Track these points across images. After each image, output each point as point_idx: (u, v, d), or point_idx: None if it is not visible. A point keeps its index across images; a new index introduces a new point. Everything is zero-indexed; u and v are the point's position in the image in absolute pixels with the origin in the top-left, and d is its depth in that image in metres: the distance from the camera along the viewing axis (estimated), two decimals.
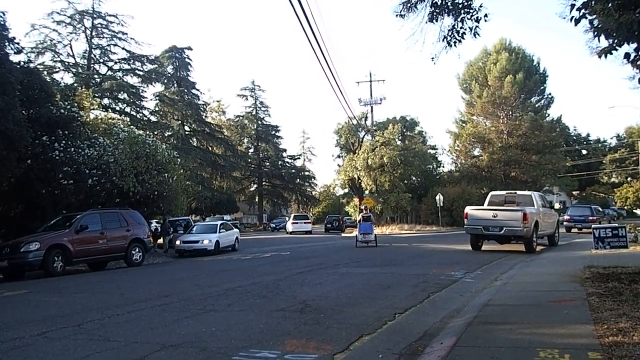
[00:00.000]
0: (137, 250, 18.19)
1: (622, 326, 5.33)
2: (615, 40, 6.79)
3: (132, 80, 44.52)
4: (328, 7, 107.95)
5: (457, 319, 6.80)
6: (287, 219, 58.47)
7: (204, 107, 59.78)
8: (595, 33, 7.02)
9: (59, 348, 5.90)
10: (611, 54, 6.96)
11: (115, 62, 43.96)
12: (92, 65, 42.62)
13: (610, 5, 6.46)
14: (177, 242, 23.21)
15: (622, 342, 4.76)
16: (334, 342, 5.77)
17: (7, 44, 16.93)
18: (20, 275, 14.93)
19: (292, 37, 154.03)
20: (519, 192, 20.59)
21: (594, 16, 6.91)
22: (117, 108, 41.59)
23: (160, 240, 25.77)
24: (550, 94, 56.32)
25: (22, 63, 18.84)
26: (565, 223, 30.43)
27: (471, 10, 9.09)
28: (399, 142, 49.50)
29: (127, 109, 42.76)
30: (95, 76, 42.30)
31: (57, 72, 39.65)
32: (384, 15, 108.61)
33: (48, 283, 13.38)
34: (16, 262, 14.77)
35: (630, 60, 7.01)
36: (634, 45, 6.85)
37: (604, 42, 7.12)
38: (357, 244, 22.38)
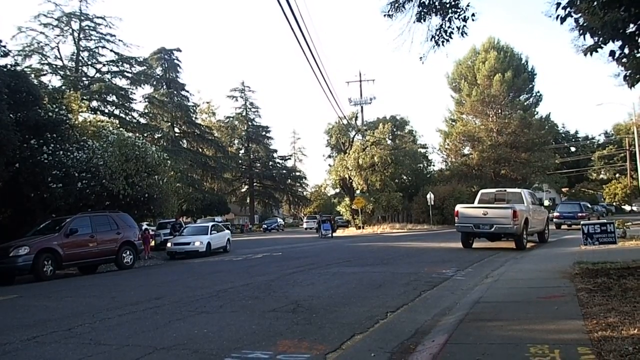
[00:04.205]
0: (127, 253, 18.09)
1: (611, 321, 5.38)
2: (601, 39, 6.85)
3: (121, 82, 44.24)
4: (317, 8, 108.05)
5: (449, 317, 6.84)
6: (278, 219, 68.51)
7: (194, 108, 59.57)
8: (581, 31, 7.08)
9: (49, 352, 5.85)
10: (597, 51, 7.02)
11: (104, 65, 43.64)
12: (80, 67, 42.26)
13: (595, 3, 6.52)
14: (169, 244, 23.16)
15: (611, 336, 4.81)
16: (327, 342, 5.78)
17: None
18: (9, 280, 14.78)
19: (281, 37, 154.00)
20: (508, 190, 20.72)
21: (580, 15, 6.97)
22: (106, 110, 41.27)
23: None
24: (538, 92, 56.76)
25: (8, 66, 18.66)
26: (554, 220, 30.63)
27: (458, 10, 9.13)
28: (389, 142, 49.62)
29: (116, 111, 42.45)
30: (84, 78, 41.96)
31: (44, 74, 39.25)
32: (373, 15, 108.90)
33: (38, 287, 13.27)
34: (5, 267, 14.65)
35: (615, 58, 7.08)
36: (619, 43, 6.92)
37: (589, 40, 7.19)
38: (320, 235, 35.13)
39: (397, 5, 9.54)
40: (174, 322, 7.18)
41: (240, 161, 69.37)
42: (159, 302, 9.14)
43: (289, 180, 74.09)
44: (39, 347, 6.11)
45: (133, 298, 9.96)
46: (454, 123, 57.49)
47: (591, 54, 7.04)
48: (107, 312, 8.33)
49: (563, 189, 71.42)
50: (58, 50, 41.28)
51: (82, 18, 41.46)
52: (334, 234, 41.98)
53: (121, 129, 24.48)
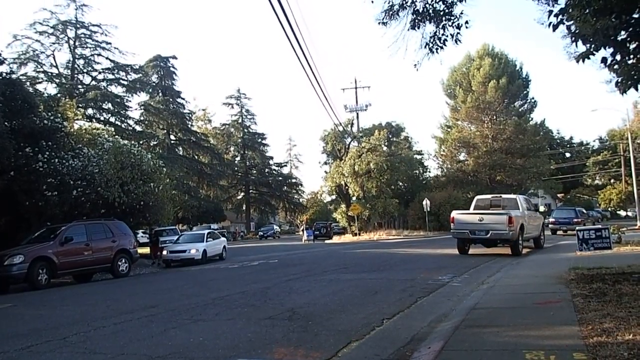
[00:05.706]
0: (123, 261, 18.02)
1: (606, 326, 5.39)
2: (592, 45, 6.91)
3: (117, 90, 44.19)
4: (312, 15, 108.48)
5: (445, 323, 6.83)
6: (275, 226, 68.87)
7: (190, 115, 59.56)
8: (573, 38, 7.14)
9: None
10: (589, 58, 7.07)
11: (99, 72, 43.60)
12: (75, 75, 42.21)
13: (587, 11, 6.58)
14: (164, 252, 23.07)
15: (606, 342, 4.81)
16: (323, 349, 5.77)
17: None
18: (4, 289, 14.69)
19: (277, 44, 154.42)
20: (504, 196, 20.74)
21: (571, 22, 7.02)
22: (102, 118, 41.17)
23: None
24: (533, 98, 57.10)
25: (4, 74, 18.65)
26: (550, 225, 30.71)
27: (452, 17, 9.17)
28: (385, 148, 49.66)
29: (112, 119, 42.34)
30: (79, 86, 41.91)
31: (40, 82, 39.20)
32: (368, 23, 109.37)
33: (33, 296, 13.21)
34: (0, 276, 14.54)
35: (607, 64, 7.14)
36: (610, 50, 6.98)
37: (581, 47, 7.24)
38: (303, 240, 40.11)
39: (391, 13, 9.57)
40: (170, 331, 7.15)
41: (236, 168, 69.36)
42: (155, 310, 9.10)
43: (285, 187, 74.09)
44: (33, 357, 6.07)
45: (128, 306, 9.92)
46: (449, 129, 57.67)
47: (583, 61, 7.09)
48: (102, 320, 8.28)
49: (558, 195, 71.68)
50: (54, 58, 41.29)
51: (78, 26, 41.49)
52: (330, 241, 42.48)
53: (117, 136, 24.43)
